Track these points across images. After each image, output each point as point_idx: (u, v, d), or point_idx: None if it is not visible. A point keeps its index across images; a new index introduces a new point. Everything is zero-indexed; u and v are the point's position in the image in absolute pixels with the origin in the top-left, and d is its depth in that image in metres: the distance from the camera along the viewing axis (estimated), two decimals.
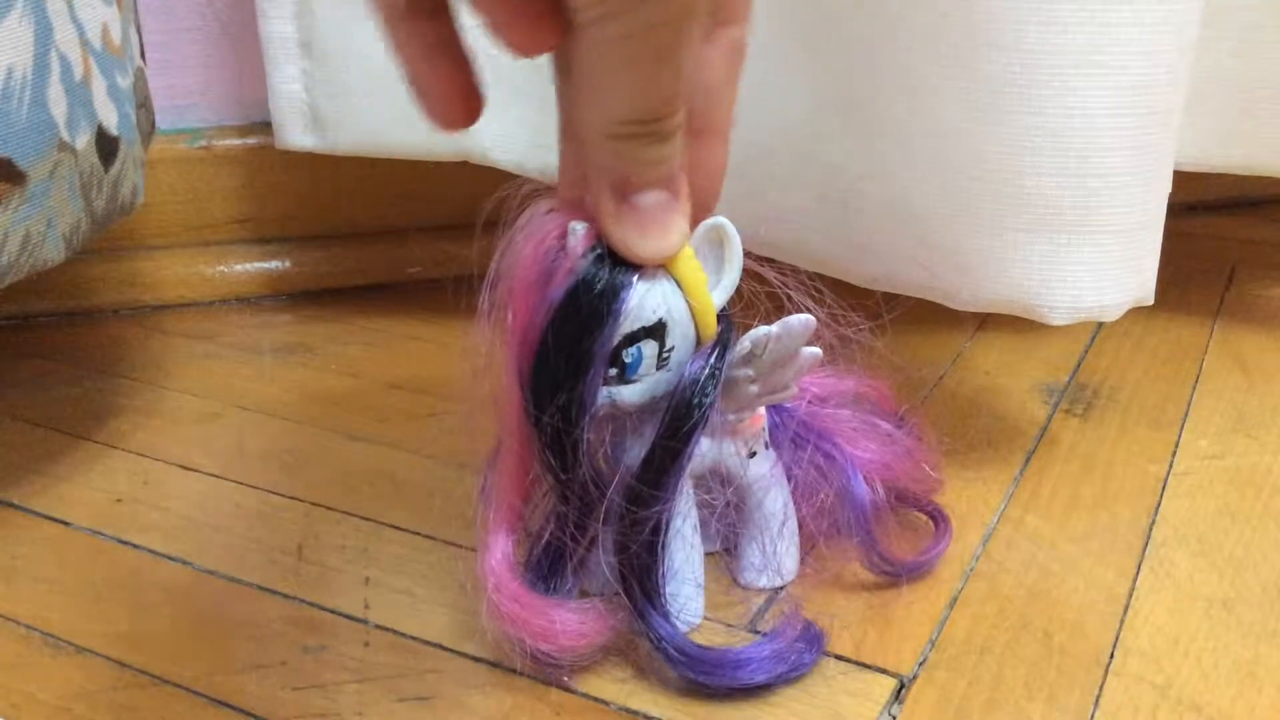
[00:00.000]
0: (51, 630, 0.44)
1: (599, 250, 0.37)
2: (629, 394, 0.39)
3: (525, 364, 0.38)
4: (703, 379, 0.38)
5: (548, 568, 0.41)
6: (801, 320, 0.39)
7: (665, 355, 0.39)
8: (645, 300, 0.38)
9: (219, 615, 0.45)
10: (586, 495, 0.40)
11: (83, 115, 0.49)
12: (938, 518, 0.48)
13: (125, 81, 0.53)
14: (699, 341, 0.39)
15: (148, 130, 0.57)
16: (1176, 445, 0.56)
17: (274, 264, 0.76)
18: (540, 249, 0.38)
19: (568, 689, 0.41)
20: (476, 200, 0.41)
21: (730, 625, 0.44)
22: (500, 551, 0.40)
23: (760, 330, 0.39)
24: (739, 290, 0.40)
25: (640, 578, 0.40)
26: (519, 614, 0.40)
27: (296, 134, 0.65)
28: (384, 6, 0.33)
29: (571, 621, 0.40)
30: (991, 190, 0.48)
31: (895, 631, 0.43)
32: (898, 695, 0.40)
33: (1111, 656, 0.42)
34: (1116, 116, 0.46)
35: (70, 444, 0.58)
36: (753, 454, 0.43)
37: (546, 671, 0.41)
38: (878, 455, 0.46)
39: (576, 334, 0.37)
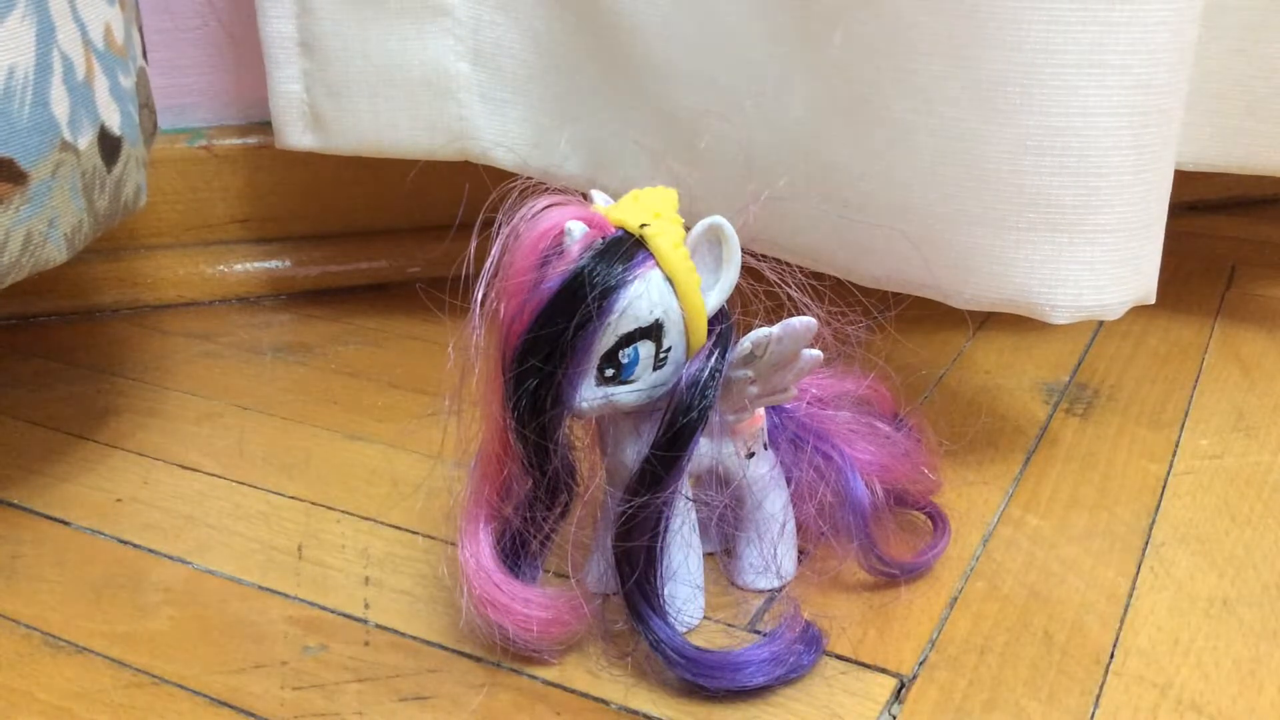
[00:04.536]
0: (51, 630, 0.44)
1: (596, 249, 0.38)
2: (626, 394, 0.39)
3: (509, 353, 0.38)
4: (702, 379, 0.38)
5: (517, 554, 0.42)
6: (803, 322, 0.39)
7: (662, 356, 0.39)
8: (640, 301, 0.38)
9: (219, 615, 0.45)
10: (556, 485, 0.40)
11: (85, 115, 0.49)
12: (936, 518, 0.48)
13: (128, 81, 0.53)
14: (690, 345, 0.39)
15: (150, 130, 0.57)
16: (1176, 445, 0.55)
17: (274, 264, 0.76)
18: (536, 246, 0.38)
19: (567, 688, 0.41)
20: (476, 200, 0.41)
21: (730, 626, 0.44)
22: (482, 540, 0.41)
23: (761, 331, 0.39)
24: (738, 288, 0.40)
25: (639, 579, 0.40)
26: (499, 600, 0.40)
27: (296, 134, 0.65)
28: None
29: (549, 608, 0.41)
30: (992, 190, 0.48)
31: (895, 631, 0.43)
32: (898, 695, 0.40)
33: (1111, 656, 0.42)
34: (1117, 116, 0.46)
35: (71, 444, 0.58)
36: (751, 454, 0.43)
37: (527, 655, 0.42)
38: (876, 457, 0.46)
39: (563, 326, 0.37)
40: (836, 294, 0.43)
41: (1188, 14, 0.46)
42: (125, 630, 0.44)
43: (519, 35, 0.62)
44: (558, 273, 0.37)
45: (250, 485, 0.54)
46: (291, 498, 0.53)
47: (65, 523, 0.51)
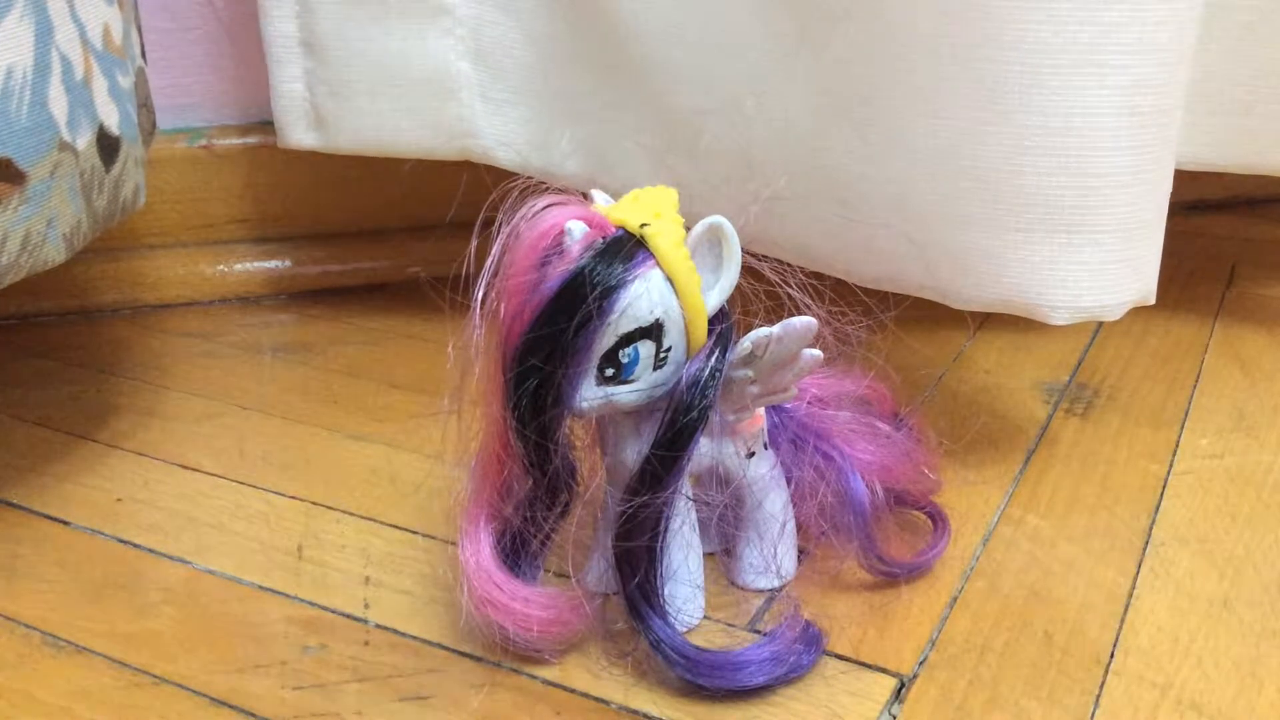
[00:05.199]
0: (51, 630, 0.44)
1: (597, 249, 0.38)
2: (626, 394, 0.39)
3: (509, 353, 0.38)
4: (703, 379, 0.38)
5: (518, 554, 0.42)
6: (803, 322, 0.39)
7: (663, 356, 0.39)
8: (640, 301, 0.38)
9: (219, 615, 0.45)
10: (556, 485, 0.40)
11: (84, 115, 0.49)
12: (936, 518, 0.48)
13: (126, 81, 0.53)
14: (690, 345, 0.39)
15: (149, 130, 0.57)
16: (1177, 445, 0.55)
17: (274, 264, 0.76)
18: (537, 246, 0.38)
19: (567, 688, 0.41)
20: (476, 200, 0.41)
21: (731, 625, 0.44)
22: (482, 540, 0.41)
23: (761, 331, 0.39)
24: (738, 288, 0.40)
25: (639, 579, 0.40)
26: (500, 599, 0.40)
27: (298, 133, 0.65)
28: None
29: (549, 608, 0.41)
30: (992, 190, 0.48)
31: (895, 631, 0.43)
32: (898, 695, 0.40)
33: (1111, 656, 0.42)
34: (1117, 116, 0.46)
35: (70, 444, 0.58)
36: (751, 454, 0.43)
37: (527, 654, 0.42)
38: (876, 457, 0.46)
39: (563, 326, 0.37)
40: (836, 294, 0.43)
41: (1187, 14, 0.46)
42: (125, 630, 0.44)
43: (520, 35, 0.62)
44: (558, 272, 0.37)
45: (250, 485, 0.54)
46: (291, 498, 0.53)
47: (65, 523, 0.51)
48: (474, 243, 0.40)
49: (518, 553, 0.42)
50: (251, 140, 0.74)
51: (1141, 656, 0.42)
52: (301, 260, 0.76)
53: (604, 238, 0.38)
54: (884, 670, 0.41)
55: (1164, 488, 0.52)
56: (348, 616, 0.45)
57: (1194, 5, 0.46)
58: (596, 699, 0.40)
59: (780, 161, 0.54)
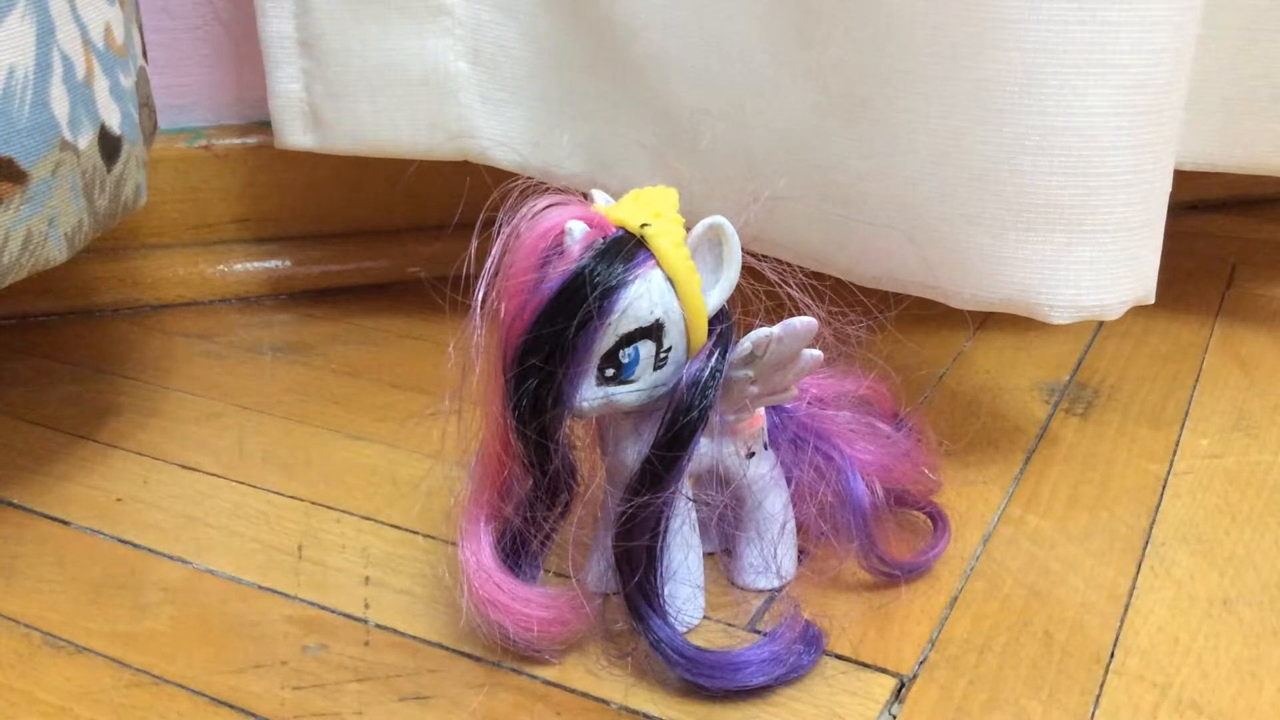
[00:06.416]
0: (51, 630, 0.44)
1: (597, 249, 0.38)
2: (627, 394, 0.39)
3: (510, 353, 0.38)
4: (703, 379, 0.38)
5: (518, 554, 0.42)
6: (804, 322, 0.39)
7: (663, 356, 0.39)
8: (640, 301, 0.38)
9: (219, 615, 0.45)
10: (556, 485, 0.40)
11: (85, 114, 0.49)
12: (936, 518, 0.48)
13: (128, 81, 0.53)
14: (690, 345, 0.39)
15: (150, 130, 0.57)
16: (1177, 444, 0.56)
17: (274, 264, 0.76)
18: (537, 246, 0.38)
19: (567, 688, 0.41)
20: (476, 200, 0.41)
21: (730, 625, 0.44)
22: (483, 540, 0.41)
23: (761, 331, 0.39)
24: (738, 288, 0.40)
25: (639, 579, 0.40)
26: (500, 599, 0.40)
27: (296, 133, 0.65)
28: None
29: (550, 608, 0.41)
30: (992, 190, 0.48)
31: (895, 631, 0.43)
32: (898, 695, 0.40)
33: (1111, 656, 0.42)
34: (1117, 116, 0.46)
35: (70, 443, 0.58)
36: (751, 454, 0.43)
37: (527, 654, 0.42)
38: (877, 457, 0.46)
39: (563, 326, 0.37)
40: (836, 294, 0.43)
41: (1188, 14, 0.46)
42: (125, 630, 0.44)
43: (519, 35, 0.62)
44: (558, 272, 0.37)
45: (250, 485, 0.54)
46: (291, 498, 0.53)
47: (65, 523, 0.51)
48: (474, 243, 0.40)
49: (518, 553, 0.42)
50: (251, 140, 0.74)
51: (1141, 656, 0.42)
52: (301, 260, 0.76)
53: (604, 238, 0.38)
54: (884, 670, 0.41)
55: (1164, 488, 0.52)
56: (348, 616, 0.45)
57: (1194, 5, 0.46)
58: (596, 699, 0.40)
59: (780, 161, 0.54)
